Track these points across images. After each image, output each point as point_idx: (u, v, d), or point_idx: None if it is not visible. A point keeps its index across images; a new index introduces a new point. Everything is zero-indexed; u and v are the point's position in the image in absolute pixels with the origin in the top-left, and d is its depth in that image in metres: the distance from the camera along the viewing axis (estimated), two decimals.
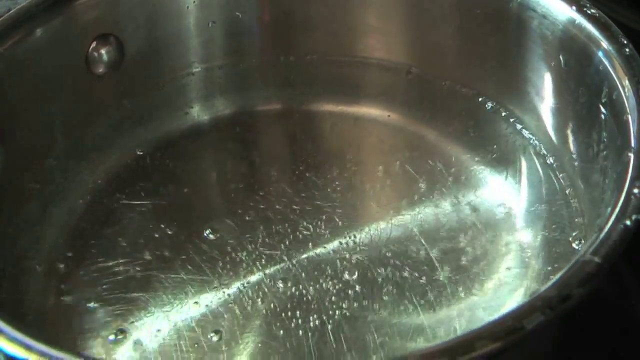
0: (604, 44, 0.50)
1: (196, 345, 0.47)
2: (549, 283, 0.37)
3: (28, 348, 0.36)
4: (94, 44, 0.57)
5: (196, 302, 0.49)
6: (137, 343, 0.47)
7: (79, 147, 0.58)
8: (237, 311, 0.48)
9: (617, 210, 0.40)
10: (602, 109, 0.49)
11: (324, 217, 0.53)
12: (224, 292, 0.49)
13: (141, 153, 0.58)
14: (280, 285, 0.50)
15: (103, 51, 0.58)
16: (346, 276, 0.50)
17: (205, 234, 0.52)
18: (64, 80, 0.57)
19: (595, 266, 0.37)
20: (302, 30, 0.63)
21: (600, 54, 0.49)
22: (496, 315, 0.44)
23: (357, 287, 0.49)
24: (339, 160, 0.57)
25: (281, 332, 0.47)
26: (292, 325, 0.47)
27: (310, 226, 0.53)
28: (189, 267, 0.50)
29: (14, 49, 0.53)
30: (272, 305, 0.48)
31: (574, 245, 0.50)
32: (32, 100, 0.55)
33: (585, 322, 0.44)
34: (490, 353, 0.35)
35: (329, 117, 0.61)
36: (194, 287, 0.50)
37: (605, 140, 0.48)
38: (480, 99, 0.59)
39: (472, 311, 0.48)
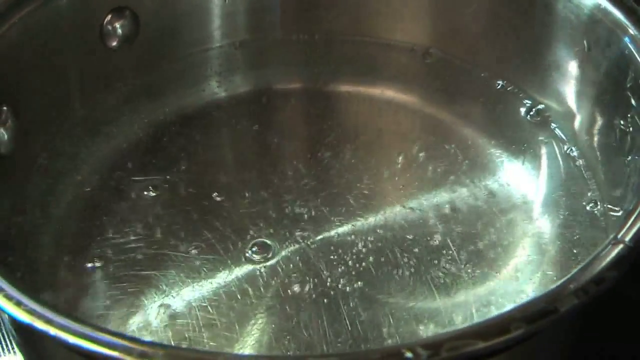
0: (631, 29, 0.49)
1: (209, 325, 0.46)
2: (580, 266, 0.36)
3: (49, 321, 0.36)
4: (109, 17, 0.57)
5: (209, 281, 0.48)
6: (149, 321, 0.47)
7: (91, 120, 0.57)
8: (251, 292, 0.48)
9: None
10: (627, 94, 0.48)
11: (339, 198, 0.53)
12: (237, 272, 0.49)
13: (155, 128, 0.58)
14: (294, 266, 0.49)
15: (118, 24, 0.57)
16: (361, 259, 0.49)
17: (218, 213, 0.52)
18: (78, 52, 0.56)
19: (626, 249, 0.37)
20: (324, 9, 0.62)
21: (626, 39, 0.49)
22: (512, 301, 0.46)
23: (373, 270, 0.49)
24: (356, 141, 0.56)
25: (294, 313, 0.47)
26: (306, 307, 0.47)
27: (325, 208, 0.52)
28: (202, 245, 0.50)
29: (28, 19, 0.52)
30: (285, 286, 0.48)
31: (593, 233, 0.50)
32: (46, 72, 0.54)
33: (615, 315, 0.44)
34: (523, 335, 0.34)
35: (347, 97, 0.60)
36: (207, 266, 0.49)
37: (630, 125, 0.48)
38: (500, 83, 0.59)
39: (489, 296, 0.47)
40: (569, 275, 0.36)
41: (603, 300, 0.37)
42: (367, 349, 0.44)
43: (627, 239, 0.37)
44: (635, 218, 0.38)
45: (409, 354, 0.33)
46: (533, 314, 0.35)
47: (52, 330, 0.36)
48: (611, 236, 0.38)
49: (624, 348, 0.50)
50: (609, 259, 0.36)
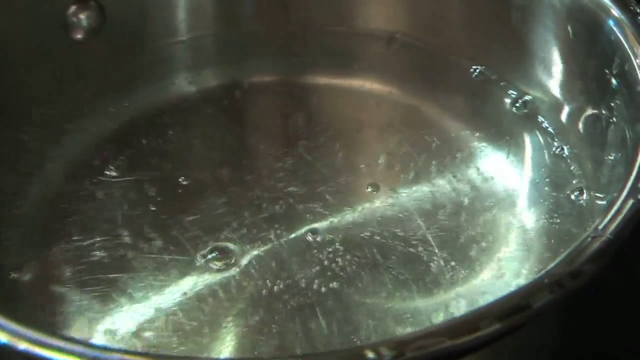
0: (615, 12, 0.48)
1: (178, 330, 0.45)
2: (558, 259, 0.36)
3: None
4: (73, 8, 0.56)
5: (179, 284, 0.47)
6: (116, 327, 0.46)
7: (56, 116, 0.56)
8: (222, 294, 0.47)
9: (628, 185, 0.39)
10: (613, 81, 0.47)
11: (315, 195, 0.52)
12: (207, 274, 0.48)
13: (124, 125, 0.57)
14: (268, 266, 0.48)
15: (82, 15, 0.57)
16: (338, 258, 0.48)
17: (189, 212, 0.51)
18: (42, 44, 0.55)
19: (606, 242, 0.36)
20: None
21: (611, 22, 0.48)
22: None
23: (350, 269, 0.48)
24: (333, 135, 0.56)
25: (268, 316, 0.46)
26: (280, 309, 0.46)
27: (301, 205, 0.51)
28: (172, 247, 0.49)
29: None
30: (258, 288, 0.47)
31: (579, 225, 0.49)
32: (8, 66, 0.54)
33: (595, 309, 0.43)
34: (494, 334, 0.33)
35: (324, 90, 0.59)
36: (177, 268, 0.48)
37: (615, 113, 0.47)
38: (482, 72, 0.58)
39: (472, 295, 0.46)
40: (544, 270, 0.35)
41: (590, 295, 0.37)
42: (329, 349, 0.43)
43: (608, 231, 0.36)
44: (617, 210, 0.37)
45: (371, 355, 0.31)
46: (504, 311, 0.34)
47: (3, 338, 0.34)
48: (590, 228, 0.37)
49: (616, 341, 0.49)
50: (587, 252, 0.35)
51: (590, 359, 0.48)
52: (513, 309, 0.34)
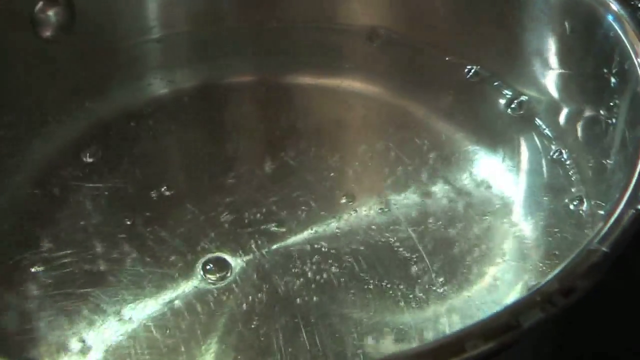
0: (615, 6, 0.48)
1: (152, 348, 0.45)
2: (550, 275, 0.35)
3: None
4: (40, 4, 0.56)
5: (154, 299, 0.47)
6: (87, 345, 0.45)
7: (25, 119, 0.56)
8: (200, 309, 0.47)
9: (627, 193, 0.39)
10: (613, 80, 0.47)
11: (298, 203, 0.52)
12: (185, 287, 0.48)
13: (95, 128, 0.57)
14: (248, 279, 0.48)
15: (51, 12, 0.56)
16: (322, 270, 0.48)
17: (165, 221, 0.51)
18: (9, 44, 0.55)
19: (601, 256, 0.36)
20: None
21: (610, 18, 0.48)
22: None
23: (335, 282, 0.47)
24: (317, 139, 0.56)
25: (248, 332, 0.45)
26: (261, 324, 0.46)
27: (283, 213, 0.51)
28: (147, 258, 0.49)
29: None
30: (238, 302, 0.47)
31: (578, 233, 0.49)
32: None
33: (592, 319, 0.42)
34: (481, 355, 0.33)
35: (307, 90, 0.59)
36: (152, 281, 0.48)
37: (615, 114, 0.47)
38: (475, 71, 0.58)
39: (464, 309, 0.46)
40: (536, 286, 0.35)
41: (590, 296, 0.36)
42: None
43: (603, 245, 0.35)
44: (615, 221, 0.37)
45: None
46: (492, 330, 0.33)
47: None
48: (585, 241, 0.37)
49: (616, 341, 0.49)
50: (582, 267, 0.35)
51: (590, 359, 0.48)
52: (502, 328, 0.33)
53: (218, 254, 0.49)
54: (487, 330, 0.33)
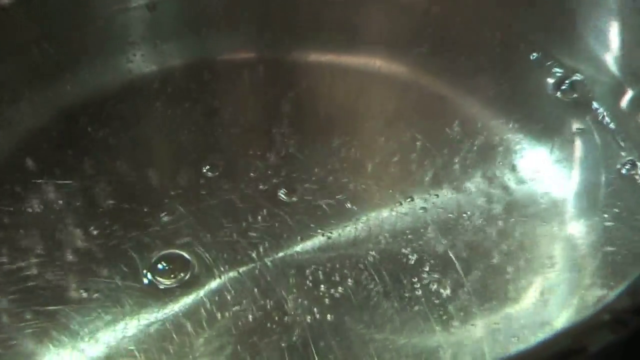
0: None
1: None
2: (621, 288, 0.35)
3: None
4: None
5: (136, 317, 0.47)
6: None
7: None
8: (190, 328, 0.47)
9: None
10: None
11: (306, 203, 0.52)
12: (172, 303, 0.48)
13: (65, 115, 0.57)
14: (248, 293, 0.48)
15: None
16: (337, 283, 0.48)
17: (146, 225, 0.51)
18: None
19: None
20: None
21: None
22: (540, 335, 0.45)
23: (352, 298, 0.48)
24: (329, 128, 0.56)
25: (248, 356, 0.46)
26: (264, 347, 0.46)
27: (287, 216, 0.51)
28: (125, 269, 0.49)
29: None
30: (236, 321, 0.47)
31: None
32: None
33: None
34: None
35: (316, 69, 0.60)
36: (132, 297, 0.48)
37: None
38: (519, 47, 0.58)
39: (506, 330, 0.46)
40: (605, 302, 0.35)
41: None
42: None
43: None
44: None
45: None
46: (552, 357, 0.33)
47: None
48: None
49: None
50: None
51: None
52: (563, 354, 0.33)
53: (211, 262, 0.49)
54: (545, 357, 0.33)
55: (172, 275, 0.49)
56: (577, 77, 0.56)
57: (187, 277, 0.49)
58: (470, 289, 0.48)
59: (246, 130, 0.57)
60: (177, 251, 0.50)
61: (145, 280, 0.49)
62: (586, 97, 0.56)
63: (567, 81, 0.57)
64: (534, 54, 0.58)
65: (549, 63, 0.58)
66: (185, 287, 0.48)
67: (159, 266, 0.49)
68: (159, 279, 0.48)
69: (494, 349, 0.46)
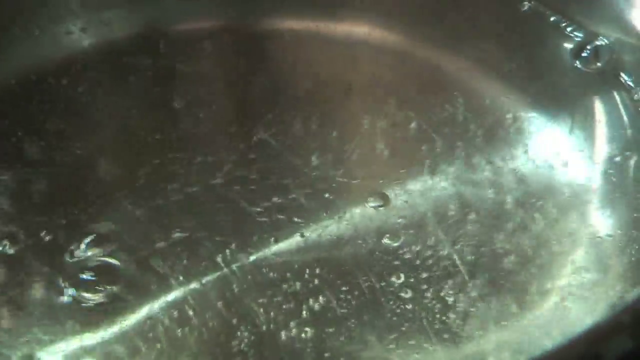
0: None
1: None
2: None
3: None
4: None
5: (79, 339, 0.48)
6: None
7: None
8: (144, 349, 0.47)
9: None
10: None
11: (282, 195, 0.52)
12: (123, 320, 0.48)
13: None
14: (213, 306, 0.48)
15: None
16: (318, 291, 0.48)
17: (96, 224, 0.51)
18: None
19: None
20: None
21: None
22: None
23: (338, 309, 0.48)
24: (309, 108, 0.56)
25: None
26: None
27: (262, 212, 0.51)
28: (69, 279, 0.49)
29: None
30: (203, 332, 0.47)
31: None
32: None
33: None
34: None
35: (294, 39, 0.60)
36: (78, 312, 0.49)
37: None
38: (530, 8, 0.59)
39: (521, 340, 0.47)
40: (622, 305, 0.35)
41: None
42: None
43: None
44: None
45: None
46: None
47: None
48: None
49: None
50: None
51: None
52: None
53: (171, 270, 0.49)
54: None
55: (126, 287, 0.49)
56: (600, 41, 0.57)
57: (144, 288, 0.49)
58: (476, 295, 0.48)
59: (212, 112, 0.57)
60: (134, 259, 0.50)
61: (92, 293, 0.49)
62: (613, 66, 0.56)
63: (588, 47, 0.57)
64: (549, 14, 0.58)
65: (565, 25, 0.58)
66: (142, 300, 0.48)
67: (113, 274, 0.49)
68: (110, 289, 0.49)
69: None
